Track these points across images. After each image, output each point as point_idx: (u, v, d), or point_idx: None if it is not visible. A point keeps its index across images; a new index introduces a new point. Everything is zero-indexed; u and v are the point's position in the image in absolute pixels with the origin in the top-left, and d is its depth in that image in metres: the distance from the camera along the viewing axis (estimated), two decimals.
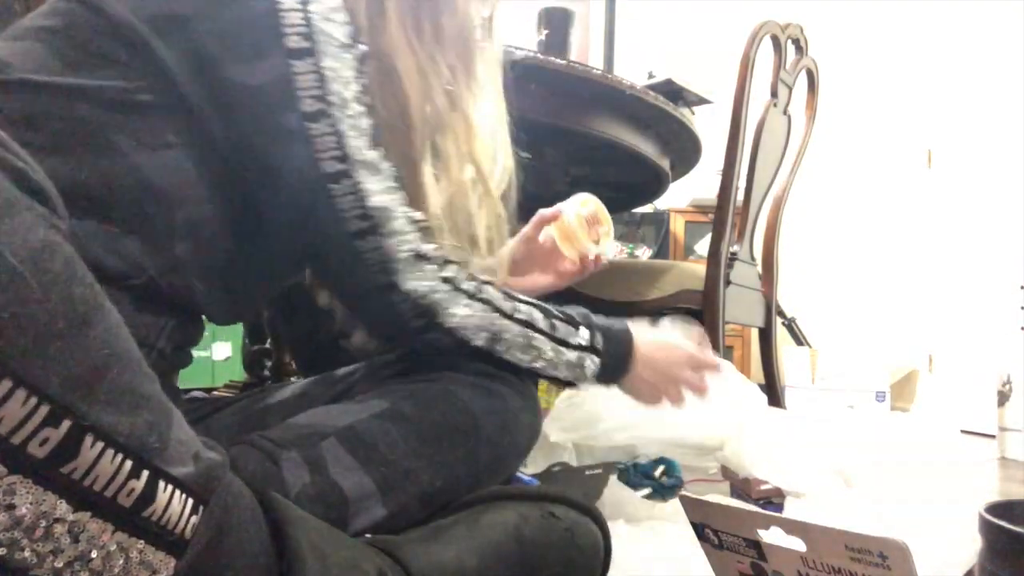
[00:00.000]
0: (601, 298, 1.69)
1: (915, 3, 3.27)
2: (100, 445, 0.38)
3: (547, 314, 0.77)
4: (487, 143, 0.81)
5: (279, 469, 0.61)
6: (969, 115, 3.01)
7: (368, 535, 0.62)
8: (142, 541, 0.40)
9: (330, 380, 0.78)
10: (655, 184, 1.93)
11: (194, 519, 0.43)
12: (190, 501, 0.43)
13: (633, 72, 2.36)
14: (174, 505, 0.42)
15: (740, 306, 1.84)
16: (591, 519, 0.65)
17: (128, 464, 0.40)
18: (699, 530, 0.64)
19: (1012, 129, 2.75)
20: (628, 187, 1.95)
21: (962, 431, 2.72)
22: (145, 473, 0.40)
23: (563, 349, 0.77)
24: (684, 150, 1.80)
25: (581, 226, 0.99)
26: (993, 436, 2.40)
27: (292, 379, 0.89)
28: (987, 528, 0.59)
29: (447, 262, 0.70)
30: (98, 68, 0.60)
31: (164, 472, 0.41)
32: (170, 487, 0.42)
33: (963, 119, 3.04)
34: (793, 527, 0.57)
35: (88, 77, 0.60)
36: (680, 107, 1.77)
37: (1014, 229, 2.67)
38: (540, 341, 0.75)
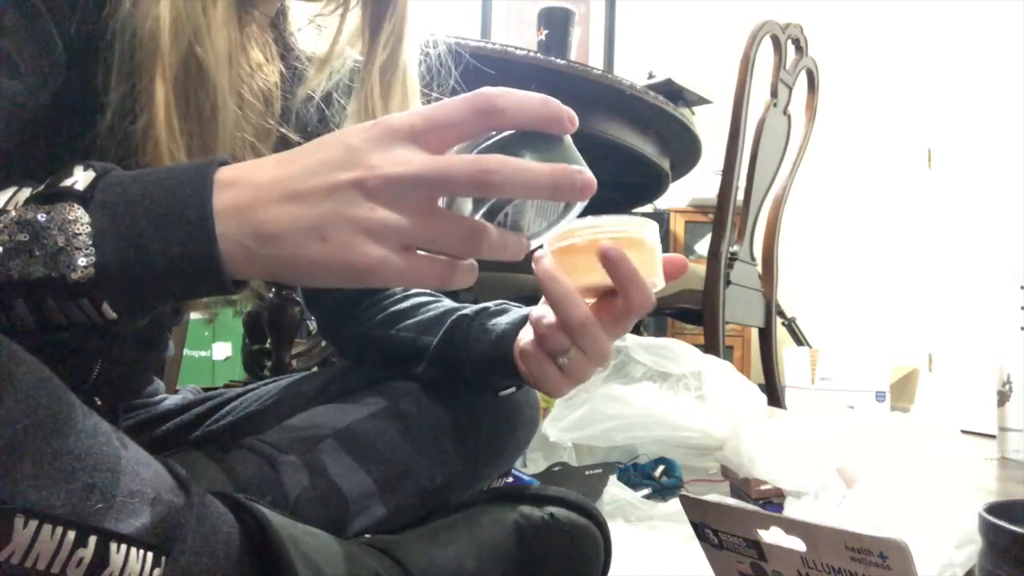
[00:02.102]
0: None
1: (915, 3, 3.27)
2: (34, 523, 0.37)
3: None
4: None
5: (278, 473, 0.61)
6: (969, 115, 3.01)
7: (368, 535, 0.62)
8: None
9: (326, 378, 0.78)
10: (655, 184, 1.93)
11: (157, 572, 0.41)
12: (149, 555, 0.41)
13: (633, 72, 2.36)
14: (132, 564, 0.40)
15: (740, 306, 1.84)
16: (591, 520, 0.65)
17: (71, 535, 0.38)
18: (699, 530, 0.64)
19: (1012, 129, 2.75)
20: (628, 187, 1.95)
21: (962, 431, 2.72)
22: (92, 539, 0.39)
23: None
24: (684, 150, 1.80)
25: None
26: (993, 436, 2.40)
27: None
28: (987, 528, 0.59)
29: None
30: None
31: (114, 533, 0.40)
32: (124, 546, 0.40)
33: (963, 119, 3.04)
34: (793, 527, 0.57)
35: None
36: (680, 107, 1.77)
37: (1014, 229, 2.67)
38: None
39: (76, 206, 0.41)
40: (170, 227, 0.41)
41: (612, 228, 0.51)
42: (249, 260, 0.41)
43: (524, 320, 0.65)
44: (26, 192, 0.42)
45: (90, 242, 0.40)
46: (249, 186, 0.42)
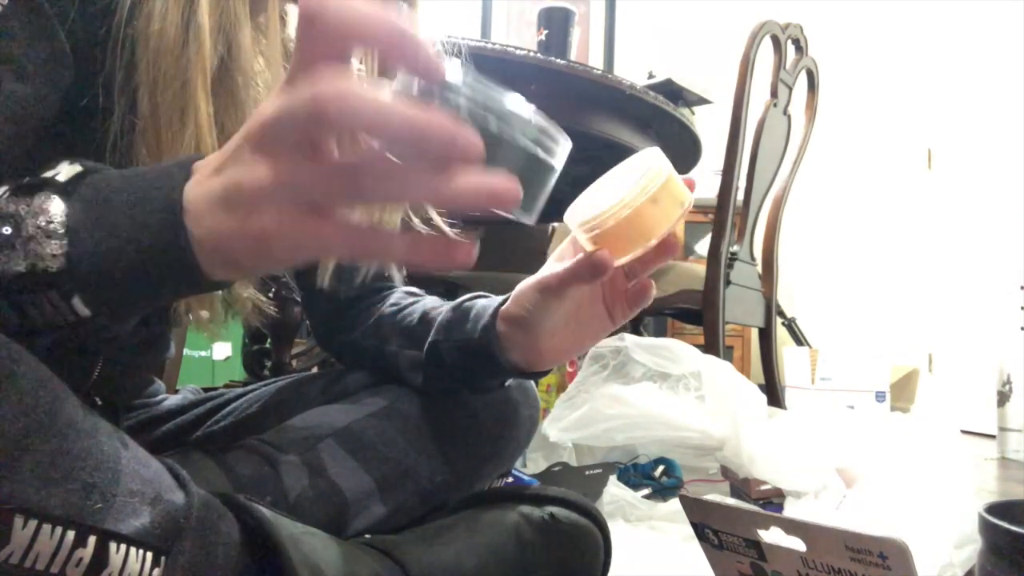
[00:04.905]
0: None
1: (915, 3, 3.26)
2: (33, 523, 0.37)
3: None
4: None
5: (278, 473, 0.61)
6: (969, 115, 3.01)
7: (368, 535, 0.62)
8: None
9: (327, 379, 0.78)
10: None
11: (157, 572, 0.41)
12: (149, 555, 0.41)
13: (633, 72, 2.36)
14: (131, 564, 0.40)
15: (740, 306, 1.84)
16: (591, 520, 0.65)
17: (70, 535, 0.38)
18: (699, 530, 0.64)
19: (1012, 129, 2.75)
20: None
21: (962, 431, 2.72)
22: (91, 539, 0.39)
23: None
24: (684, 150, 1.80)
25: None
26: (993, 436, 2.40)
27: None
28: (987, 528, 0.59)
29: None
30: None
31: (113, 533, 0.40)
32: (123, 546, 0.40)
33: (963, 119, 3.04)
34: (793, 527, 0.57)
35: None
36: (680, 107, 1.77)
37: (1014, 229, 2.67)
38: None
39: (53, 196, 0.40)
40: (142, 217, 0.40)
41: (641, 189, 0.50)
42: (215, 248, 0.40)
43: (493, 322, 0.63)
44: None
45: (62, 231, 0.40)
46: (202, 171, 0.40)
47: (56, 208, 0.40)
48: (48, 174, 0.41)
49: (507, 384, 0.73)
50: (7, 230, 0.40)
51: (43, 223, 0.39)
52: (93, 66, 0.51)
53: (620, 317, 0.60)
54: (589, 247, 0.53)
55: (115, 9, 0.50)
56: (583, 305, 0.60)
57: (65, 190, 0.41)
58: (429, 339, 0.69)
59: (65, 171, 0.41)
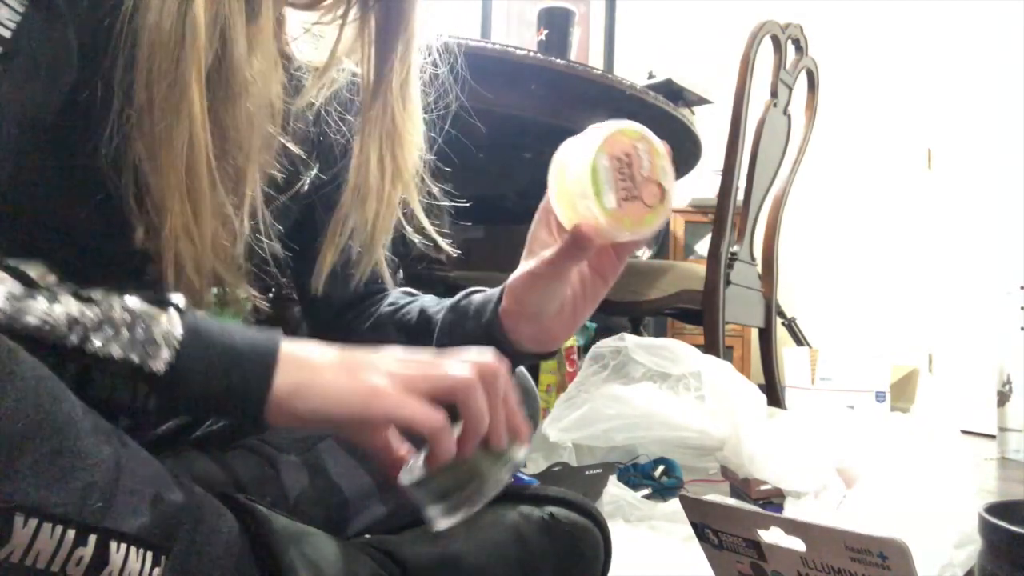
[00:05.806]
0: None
1: (915, 3, 3.27)
2: (34, 522, 0.37)
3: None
4: None
5: (278, 473, 0.61)
6: (969, 115, 3.00)
7: (368, 535, 0.62)
8: None
9: None
10: None
11: (157, 571, 0.42)
12: (149, 555, 0.41)
13: (633, 72, 2.36)
14: (131, 563, 0.40)
15: (740, 306, 1.84)
16: (591, 520, 0.65)
17: (71, 533, 0.38)
18: (699, 530, 0.64)
19: (1012, 129, 2.75)
20: None
21: (962, 431, 2.72)
22: (92, 538, 0.39)
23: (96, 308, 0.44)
24: (684, 150, 1.80)
25: (592, 173, 0.54)
26: (993, 436, 2.40)
27: None
28: (987, 528, 0.59)
29: None
30: None
31: (113, 532, 0.40)
32: (123, 545, 0.40)
33: (963, 119, 3.04)
34: (793, 527, 0.57)
35: None
36: (680, 107, 1.77)
37: (1014, 229, 2.67)
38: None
39: (176, 315, 0.46)
40: (235, 367, 0.46)
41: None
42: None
43: (494, 318, 0.64)
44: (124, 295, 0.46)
45: (176, 345, 0.45)
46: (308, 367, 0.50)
47: (178, 324, 0.46)
48: (165, 297, 0.47)
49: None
50: (123, 316, 0.44)
51: (165, 329, 0.45)
52: (96, 61, 0.51)
53: (612, 275, 0.63)
54: (568, 224, 0.57)
55: (122, 2, 0.50)
56: (575, 276, 0.63)
57: (184, 315, 0.47)
58: (434, 344, 0.70)
59: (175, 319, 0.47)
